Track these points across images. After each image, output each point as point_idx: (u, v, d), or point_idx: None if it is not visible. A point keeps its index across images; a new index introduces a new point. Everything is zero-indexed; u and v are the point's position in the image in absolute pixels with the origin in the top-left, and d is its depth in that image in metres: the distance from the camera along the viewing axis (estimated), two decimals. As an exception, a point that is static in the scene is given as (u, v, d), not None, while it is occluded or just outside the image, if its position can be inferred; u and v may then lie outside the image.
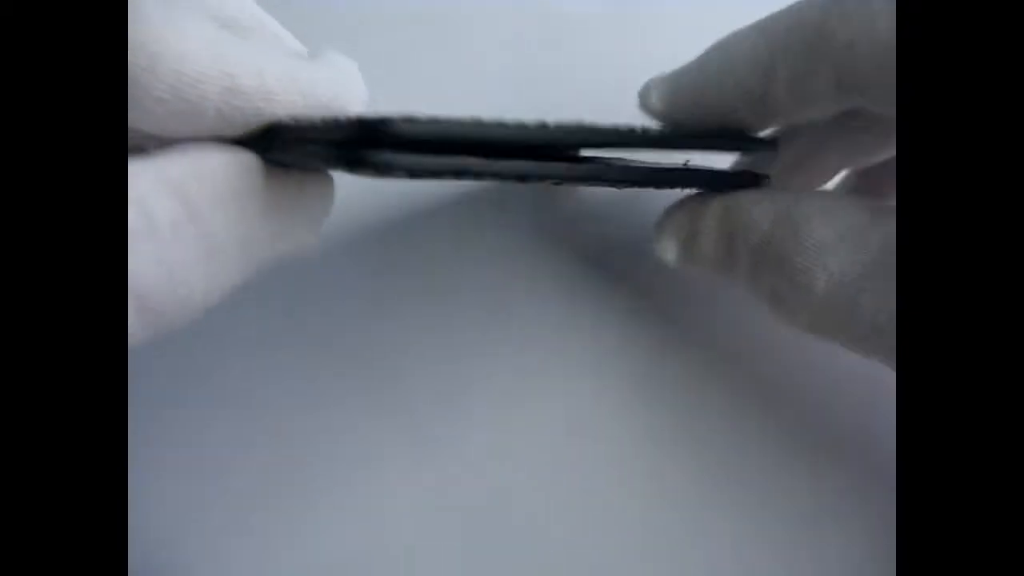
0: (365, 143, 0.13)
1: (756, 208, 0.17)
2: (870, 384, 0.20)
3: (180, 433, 0.19)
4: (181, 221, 0.13)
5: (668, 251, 0.18)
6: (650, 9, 0.22)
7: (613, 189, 0.19)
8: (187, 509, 0.18)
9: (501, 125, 0.14)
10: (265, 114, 0.14)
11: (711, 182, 0.18)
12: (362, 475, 0.19)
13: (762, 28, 0.17)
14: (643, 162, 0.17)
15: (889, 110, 0.15)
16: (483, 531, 0.18)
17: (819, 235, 0.16)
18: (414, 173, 0.13)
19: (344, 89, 0.15)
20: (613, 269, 0.22)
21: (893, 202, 0.16)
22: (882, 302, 0.15)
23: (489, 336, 0.21)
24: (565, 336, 0.21)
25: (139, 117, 0.14)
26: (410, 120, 0.13)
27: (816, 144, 0.19)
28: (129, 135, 0.15)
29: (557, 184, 0.16)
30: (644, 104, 0.18)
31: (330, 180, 0.16)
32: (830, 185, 0.21)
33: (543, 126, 0.14)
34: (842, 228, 0.16)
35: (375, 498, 0.19)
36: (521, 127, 0.14)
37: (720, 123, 0.17)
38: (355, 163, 0.13)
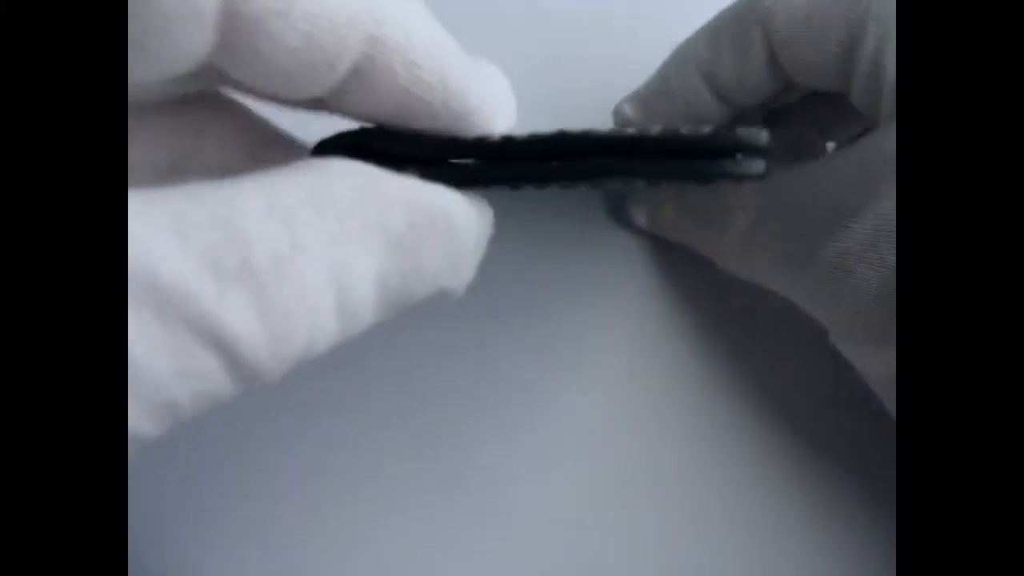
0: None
1: None
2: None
3: (182, 432, 0.19)
4: (284, 257, 0.11)
5: (639, 217, 0.21)
6: (641, 10, 0.22)
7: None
8: (188, 510, 0.18)
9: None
10: (398, 86, 0.12)
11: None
12: (364, 476, 0.19)
13: (712, 19, 0.19)
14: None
15: (810, 81, 0.18)
16: (490, 533, 0.18)
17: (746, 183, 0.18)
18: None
19: (494, 102, 0.14)
20: (618, 271, 0.22)
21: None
22: (780, 236, 0.17)
23: (499, 340, 0.21)
24: (571, 340, 0.21)
25: (261, 74, 0.12)
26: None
27: (799, 124, 0.22)
28: (237, 91, 0.13)
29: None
30: (619, 119, 0.21)
31: (485, 213, 0.14)
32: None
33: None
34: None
35: (377, 498, 0.19)
36: None
37: (685, 115, 0.19)
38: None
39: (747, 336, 0.21)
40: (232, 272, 0.10)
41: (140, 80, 0.11)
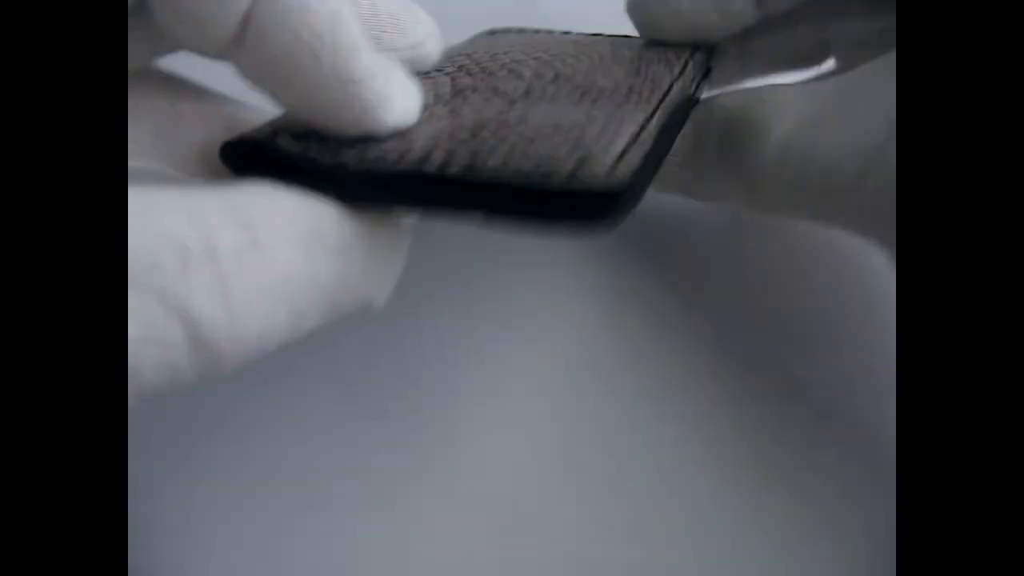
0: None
1: (725, 97, 0.19)
2: (874, 377, 0.20)
3: (182, 432, 0.19)
4: (244, 249, 0.12)
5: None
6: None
7: None
8: (188, 510, 0.18)
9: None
10: (289, 29, 0.13)
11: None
12: (363, 477, 0.19)
13: None
14: None
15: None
16: (484, 535, 0.18)
17: (781, 94, 0.17)
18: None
19: (390, 95, 0.14)
20: (610, 263, 0.22)
21: None
22: (838, 140, 0.16)
23: (488, 335, 0.21)
24: (561, 328, 0.21)
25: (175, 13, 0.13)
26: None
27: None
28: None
29: None
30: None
31: (404, 231, 0.15)
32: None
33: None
34: (798, 88, 0.17)
35: (376, 498, 0.19)
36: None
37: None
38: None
39: (728, 324, 0.21)
40: (197, 256, 0.11)
41: None
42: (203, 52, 0.14)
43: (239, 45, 0.13)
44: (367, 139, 0.14)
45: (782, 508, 0.18)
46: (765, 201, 0.18)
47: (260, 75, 0.14)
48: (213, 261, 0.11)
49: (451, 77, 0.17)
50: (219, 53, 0.14)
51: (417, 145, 0.14)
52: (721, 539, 0.18)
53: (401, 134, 0.14)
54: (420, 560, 0.18)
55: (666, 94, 0.16)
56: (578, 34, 0.22)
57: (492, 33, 0.23)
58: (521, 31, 0.23)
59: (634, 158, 0.13)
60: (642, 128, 0.14)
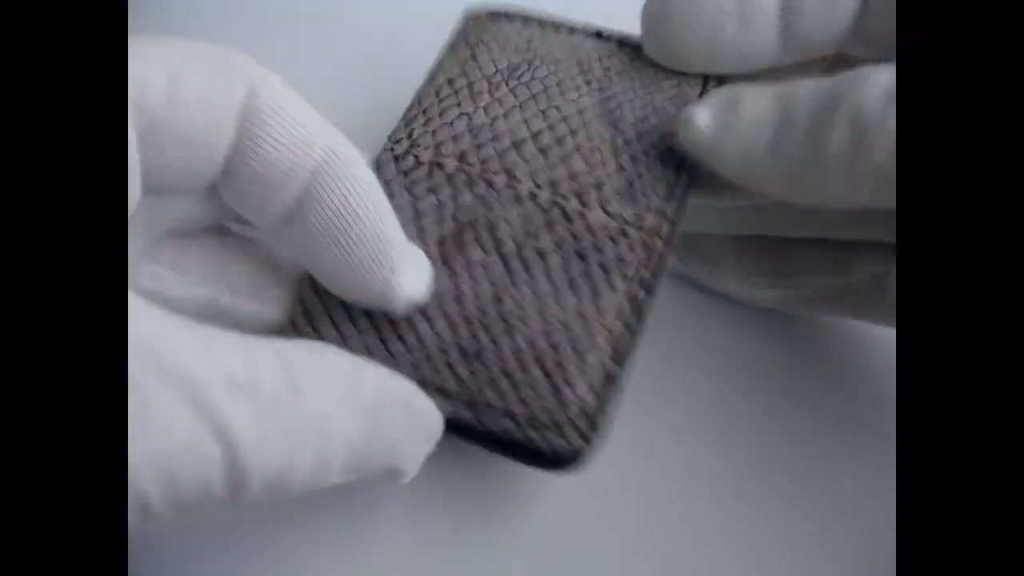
0: None
1: (811, 81, 0.17)
2: (884, 384, 0.20)
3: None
4: (283, 391, 0.13)
5: (700, 117, 0.17)
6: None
7: None
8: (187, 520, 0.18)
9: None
10: (340, 199, 0.15)
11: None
12: (365, 487, 0.19)
13: None
14: None
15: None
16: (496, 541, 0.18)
17: (886, 80, 0.15)
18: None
19: (414, 275, 0.16)
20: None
21: None
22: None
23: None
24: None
25: (244, 183, 0.15)
26: None
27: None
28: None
29: None
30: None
31: (437, 414, 0.15)
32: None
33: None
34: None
35: (377, 504, 0.19)
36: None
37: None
38: None
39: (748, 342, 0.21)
40: (242, 387, 0.12)
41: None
42: (259, 225, 0.16)
43: (290, 219, 0.15)
44: (379, 331, 0.16)
45: (783, 512, 0.18)
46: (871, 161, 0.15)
47: (305, 242, 0.15)
48: (254, 394, 0.12)
49: (453, 190, 0.18)
50: (271, 227, 0.16)
51: (417, 359, 0.16)
52: (723, 545, 0.18)
53: (409, 332, 0.16)
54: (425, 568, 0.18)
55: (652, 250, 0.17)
56: (583, 38, 0.21)
57: (493, 18, 0.21)
58: (526, 20, 0.21)
59: (607, 402, 0.16)
60: (619, 341, 0.16)
